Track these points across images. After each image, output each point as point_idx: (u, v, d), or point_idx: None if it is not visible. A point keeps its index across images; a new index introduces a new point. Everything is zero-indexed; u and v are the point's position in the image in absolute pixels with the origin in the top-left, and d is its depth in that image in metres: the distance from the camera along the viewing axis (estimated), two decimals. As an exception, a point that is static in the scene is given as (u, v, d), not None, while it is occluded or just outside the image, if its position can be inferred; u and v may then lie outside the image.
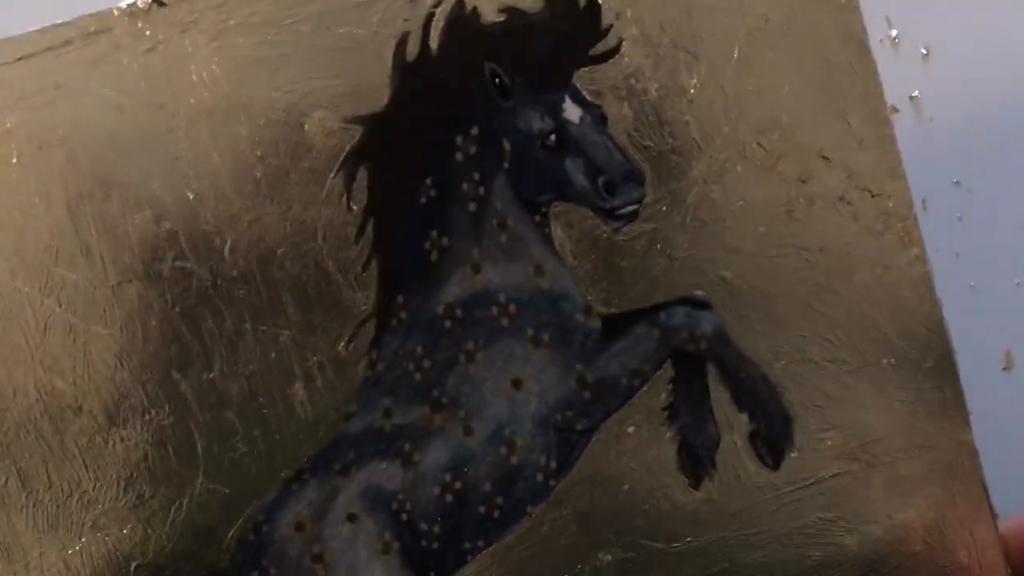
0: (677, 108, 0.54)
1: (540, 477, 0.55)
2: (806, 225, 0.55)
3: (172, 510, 0.53)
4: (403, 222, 0.54)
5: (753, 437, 0.55)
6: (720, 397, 0.55)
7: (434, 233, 0.54)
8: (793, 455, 0.55)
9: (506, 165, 0.54)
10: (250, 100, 0.53)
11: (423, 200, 0.54)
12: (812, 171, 0.55)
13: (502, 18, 0.54)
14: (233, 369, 0.53)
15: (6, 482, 0.53)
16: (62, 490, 0.53)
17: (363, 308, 0.54)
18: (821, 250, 0.55)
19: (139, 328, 0.53)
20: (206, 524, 0.53)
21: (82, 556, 0.53)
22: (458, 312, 0.54)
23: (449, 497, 0.54)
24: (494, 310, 0.54)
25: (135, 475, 0.53)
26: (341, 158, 0.53)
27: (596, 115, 0.54)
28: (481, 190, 0.54)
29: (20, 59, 0.52)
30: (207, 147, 0.53)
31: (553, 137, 0.54)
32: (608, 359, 0.55)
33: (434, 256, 0.54)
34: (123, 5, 0.52)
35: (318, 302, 0.53)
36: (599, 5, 0.54)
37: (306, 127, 0.53)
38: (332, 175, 0.53)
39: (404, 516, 0.54)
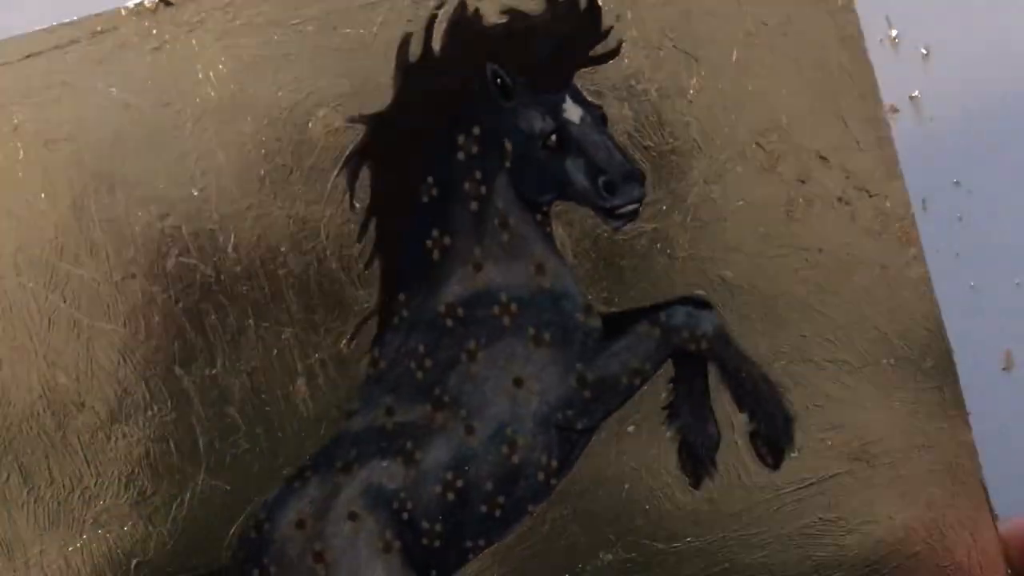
0: (677, 109, 0.55)
1: (541, 476, 0.55)
2: (805, 225, 0.55)
3: (173, 507, 0.53)
4: (405, 221, 0.55)
5: (753, 437, 0.55)
6: (720, 397, 0.55)
7: (436, 232, 0.55)
8: (793, 455, 0.55)
9: (508, 165, 0.55)
10: (255, 99, 0.53)
11: (425, 199, 0.55)
12: (811, 172, 0.55)
13: (504, 20, 0.54)
14: (235, 365, 0.53)
15: (7, 478, 0.53)
16: (63, 486, 0.53)
17: (365, 306, 0.54)
18: (820, 250, 0.55)
19: (142, 324, 0.53)
20: (207, 521, 0.53)
21: (83, 553, 0.53)
22: (460, 311, 0.55)
23: (450, 496, 0.54)
24: (495, 309, 0.55)
25: (137, 471, 0.53)
26: (344, 157, 0.54)
27: (597, 115, 0.55)
28: (483, 189, 0.55)
29: (27, 57, 0.53)
30: (212, 145, 0.53)
31: (554, 137, 0.55)
32: (608, 358, 0.55)
33: (436, 255, 0.55)
34: (130, 5, 0.53)
35: (320, 299, 0.54)
36: (599, 7, 0.55)
37: (310, 126, 0.53)
38: (335, 174, 0.54)
39: (405, 515, 0.54)
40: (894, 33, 0.67)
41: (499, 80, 0.54)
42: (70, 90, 0.53)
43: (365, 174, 0.54)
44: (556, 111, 0.55)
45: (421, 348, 0.55)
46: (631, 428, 0.55)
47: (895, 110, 0.67)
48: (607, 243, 0.55)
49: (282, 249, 0.54)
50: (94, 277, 0.53)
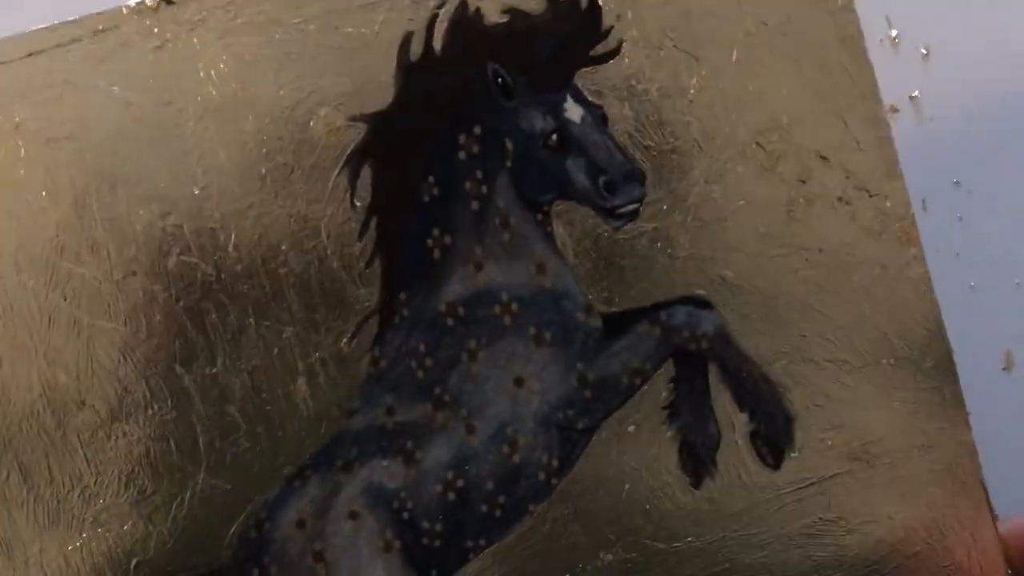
0: (678, 109, 0.55)
1: (542, 476, 0.55)
2: (806, 225, 0.55)
3: (174, 506, 0.53)
4: (406, 220, 0.55)
5: (754, 437, 0.55)
6: (721, 397, 0.55)
7: (437, 231, 0.55)
8: (794, 455, 0.55)
9: (508, 164, 0.55)
10: (257, 98, 0.53)
11: (426, 198, 0.55)
12: (811, 171, 0.55)
13: (505, 19, 0.54)
14: (236, 364, 0.53)
15: (7, 477, 0.53)
16: (63, 485, 0.53)
17: (366, 305, 0.54)
18: (821, 250, 0.55)
19: (143, 322, 0.53)
20: (208, 520, 0.53)
21: (82, 552, 0.53)
22: (460, 310, 0.55)
23: (451, 495, 0.54)
24: (496, 308, 0.55)
25: (137, 470, 0.53)
26: (345, 156, 0.54)
27: (597, 115, 0.55)
28: (484, 189, 0.55)
29: (29, 56, 0.53)
30: (214, 144, 0.53)
31: (555, 137, 0.55)
32: (609, 358, 0.55)
33: (437, 254, 0.55)
34: (132, 3, 0.53)
35: (321, 298, 0.54)
36: (600, 7, 0.55)
37: (311, 125, 0.54)
38: (336, 172, 0.54)
39: (406, 514, 0.54)
40: (894, 33, 0.68)
41: (500, 79, 0.55)
42: (72, 88, 0.53)
43: (366, 173, 0.54)
44: (557, 111, 0.55)
45: (422, 347, 0.55)
46: (632, 428, 0.55)
47: (895, 110, 0.67)
48: (608, 243, 0.55)
49: (283, 248, 0.54)
50: (95, 275, 0.53)
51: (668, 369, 0.55)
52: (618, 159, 0.54)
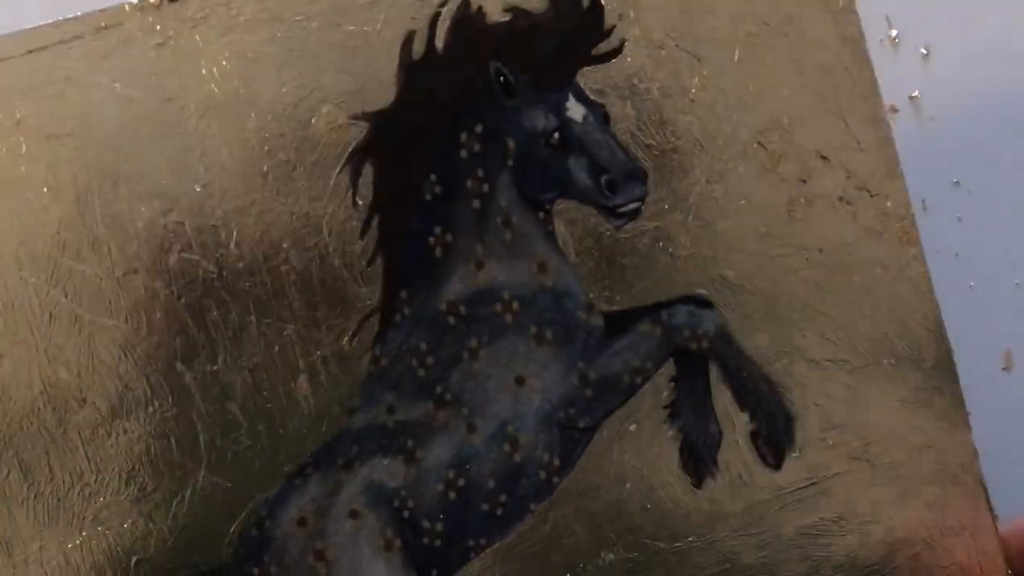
0: (679, 108, 0.55)
1: (543, 474, 0.55)
2: (806, 225, 0.55)
3: (174, 504, 0.53)
4: (408, 218, 0.55)
5: (754, 436, 0.55)
6: (721, 396, 0.55)
7: (438, 229, 0.55)
8: (794, 455, 0.55)
9: (510, 163, 0.55)
10: (259, 95, 0.53)
11: (428, 197, 0.55)
12: (812, 171, 0.56)
13: (507, 18, 0.55)
14: (237, 362, 0.53)
15: (8, 474, 0.53)
16: (63, 482, 0.53)
17: (367, 303, 0.54)
18: (821, 250, 0.56)
19: (144, 319, 0.53)
20: (208, 518, 0.53)
21: (83, 550, 0.53)
22: (462, 309, 0.55)
23: (452, 494, 0.54)
24: (498, 307, 0.55)
25: (137, 468, 0.53)
26: (347, 154, 0.54)
27: (599, 114, 0.55)
28: (485, 187, 0.55)
29: (31, 52, 0.53)
30: (215, 141, 0.53)
31: (557, 135, 0.55)
32: (610, 357, 0.55)
33: (438, 252, 0.55)
34: (134, 0, 0.53)
35: (323, 296, 0.54)
36: (602, 6, 0.55)
37: (313, 122, 0.54)
38: (338, 170, 0.54)
39: (406, 513, 0.54)
40: (894, 33, 0.68)
41: (502, 78, 0.55)
42: (74, 85, 0.53)
43: (368, 171, 0.54)
44: (559, 109, 0.55)
45: (423, 346, 0.55)
46: (633, 427, 0.55)
47: (895, 110, 0.67)
48: (609, 242, 0.55)
49: (284, 245, 0.54)
50: (96, 272, 0.53)
51: (669, 368, 0.55)
52: (620, 158, 0.55)
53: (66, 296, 0.53)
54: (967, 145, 0.67)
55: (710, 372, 0.55)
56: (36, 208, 0.53)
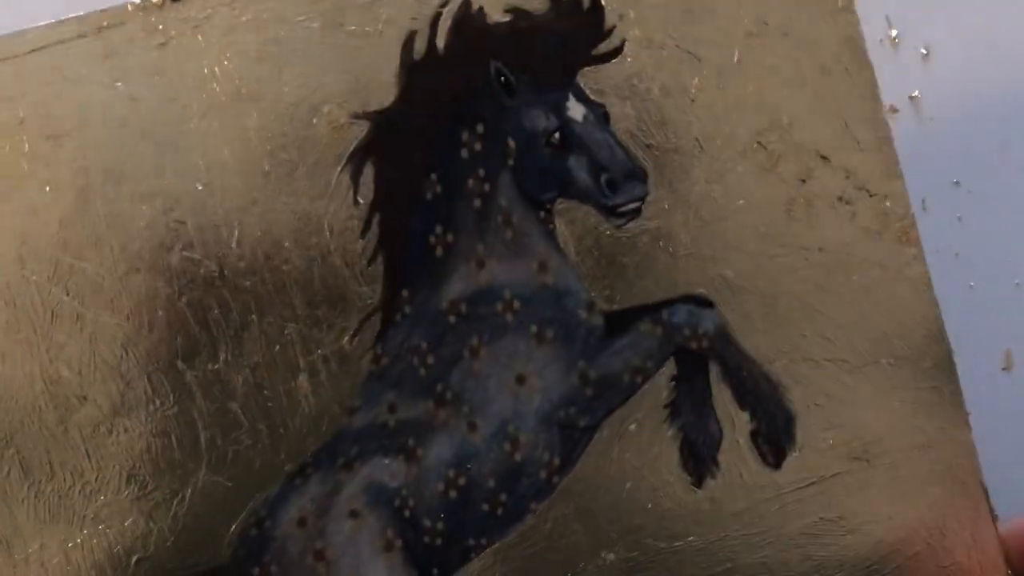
0: (679, 108, 0.55)
1: (543, 474, 0.55)
2: (806, 225, 0.56)
3: (174, 503, 0.53)
4: (409, 218, 0.55)
5: (755, 436, 0.55)
6: (722, 395, 0.55)
7: (439, 229, 0.55)
8: (794, 454, 0.55)
9: (511, 162, 0.55)
10: (260, 95, 0.54)
11: (428, 196, 0.55)
12: (811, 171, 0.56)
13: (508, 18, 0.55)
14: (238, 361, 0.53)
15: (8, 472, 0.53)
16: (64, 481, 0.53)
17: (368, 302, 0.54)
18: (820, 250, 0.56)
19: (146, 318, 0.53)
20: (208, 517, 0.53)
21: (83, 549, 0.53)
22: (463, 308, 0.55)
23: (452, 494, 0.54)
24: (498, 306, 0.55)
25: (138, 466, 0.53)
26: (348, 153, 0.54)
27: (599, 114, 0.55)
28: (486, 187, 0.55)
29: (33, 52, 0.53)
30: (217, 140, 0.53)
31: (557, 135, 0.55)
32: (610, 356, 0.55)
33: (439, 252, 0.55)
34: (136, 0, 0.53)
35: (324, 295, 0.54)
36: (603, 7, 0.55)
37: (315, 122, 0.54)
38: (339, 170, 0.54)
39: (407, 512, 0.54)
40: (894, 33, 0.68)
41: (503, 78, 0.55)
42: (76, 85, 0.53)
43: (369, 170, 0.54)
44: (559, 109, 0.55)
45: (424, 345, 0.55)
46: (633, 426, 0.55)
47: (895, 110, 0.67)
48: (609, 241, 0.55)
49: (286, 244, 0.54)
50: (98, 271, 0.53)
51: (669, 367, 0.55)
52: (620, 157, 0.55)
53: (68, 294, 0.53)
54: (967, 145, 0.67)
55: (710, 371, 0.56)
56: (38, 207, 0.53)
